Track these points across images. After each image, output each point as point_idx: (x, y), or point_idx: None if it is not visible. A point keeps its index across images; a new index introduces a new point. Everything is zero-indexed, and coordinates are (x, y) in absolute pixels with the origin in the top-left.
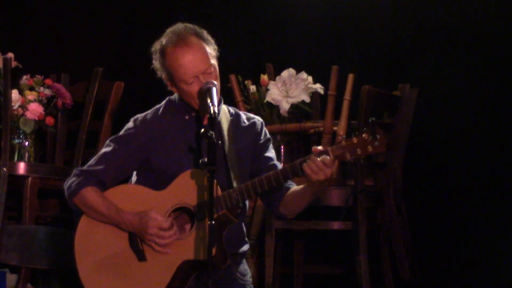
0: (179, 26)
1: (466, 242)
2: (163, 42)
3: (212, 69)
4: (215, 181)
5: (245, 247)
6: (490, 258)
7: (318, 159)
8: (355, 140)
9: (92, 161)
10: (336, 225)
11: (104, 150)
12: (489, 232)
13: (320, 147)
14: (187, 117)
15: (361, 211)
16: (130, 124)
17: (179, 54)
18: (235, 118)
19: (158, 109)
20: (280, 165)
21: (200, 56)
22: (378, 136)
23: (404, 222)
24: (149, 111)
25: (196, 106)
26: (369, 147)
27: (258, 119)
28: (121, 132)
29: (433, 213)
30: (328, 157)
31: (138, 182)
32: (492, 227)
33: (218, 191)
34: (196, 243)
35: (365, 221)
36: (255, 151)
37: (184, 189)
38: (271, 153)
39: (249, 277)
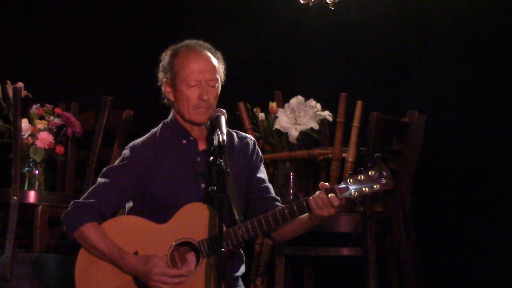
0: (198, 40)
1: (476, 268)
2: (178, 46)
3: (216, 84)
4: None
5: (242, 269)
6: (501, 284)
7: (326, 196)
8: (361, 177)
9: (88, 193)
10: (345, 251)
11: (101, 181)
12: (500, 259)
13: (327, 184)
14: (184, 142)
15: (370, 237)
16: (127, 152)
17: (191, 57)
18: (229, 139)
19: (155, 133)
20: (271, 187)
21: (209, 67)
22: (384, 173)
23: (414, 248)
24: (145, 137)
25: (188, 115)
26: (376, 185)
27: (250, 138)
28: (117, 162)
29: (442, 239)
30: (334, 197)
31: (133, 209)
32: (504, 253)
33: (223, 227)
34: (201, 281)
35: (375, 247)
36: (249, 171)
37: (187, 223)
38: (262, 173)
39: None
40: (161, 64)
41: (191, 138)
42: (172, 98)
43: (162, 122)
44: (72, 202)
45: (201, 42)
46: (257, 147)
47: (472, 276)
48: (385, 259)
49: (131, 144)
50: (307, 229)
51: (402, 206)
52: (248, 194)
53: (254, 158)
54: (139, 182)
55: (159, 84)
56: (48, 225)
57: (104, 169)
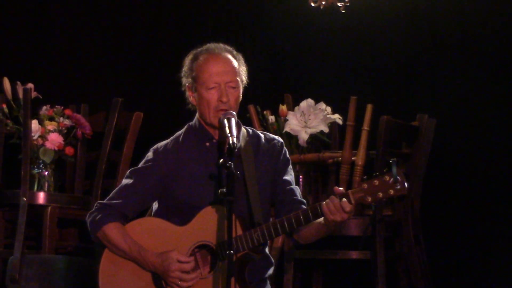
0: (220, 44)
1: (486, 273)
2: (198, 50)
3: (235, 85)
4: (235, 219)
5: (270, 271)
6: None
7: (339, 201)
8: (376, 182)
9: (113, 194)
10: (354, 255)
11: (124, 182)
12: (510, 263)
13: (341, 189)
14: (207, 144)
15: (379, 241)
16: (150, 155)
17: (210, 60)
18: (255, 141)
19: (179, 136)
20: (297, 190)
21: (229, 69)
22: (399, 178)
23: (422, 252)
24: (169, 139)
25: (209, 118)
26: (390, 190)
27: (278, 140)
28: (141, 164)
29: (451, 243)
30: (346, 202)
31: (159, 210)
32: None
33: (239, 230)
34: (217, 284)
35: (383, 251)
36: (274, 173)
37: (206, 225)
38: (289, 176)
39: None
40: (183, 69)
41: (214, 140)
42: (194, 102)
43: (187, 125)
44: (96, 203)
45: (221, 45)
46: (284, 148)
47: (481, 280)
48: (393, 263)
49: (154, 146)
50: (325, 232)
51: (412, 210)
52: (274, 196)
53: (280, 159)
54: (162, 183)
55: (182, 89)
56: (57, 226)
57: (128, 170)
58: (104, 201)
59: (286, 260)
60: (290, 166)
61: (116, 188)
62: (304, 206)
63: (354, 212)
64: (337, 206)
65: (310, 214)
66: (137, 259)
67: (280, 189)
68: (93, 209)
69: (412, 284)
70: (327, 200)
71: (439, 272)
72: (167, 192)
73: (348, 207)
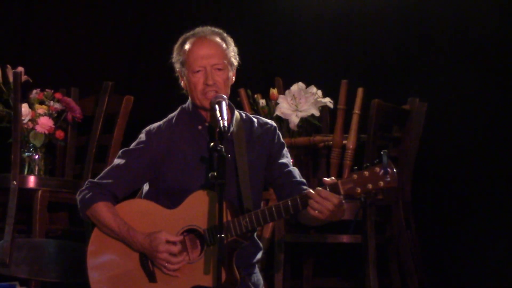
0: (208, 27)
1: (475, 256)
2: (187, 34)
3: (222, 67)
4: (225, 205)
5: (259, 255)
6: (500, 272)
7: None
8: (366, 173)
9: (104, 173)
10: (345, 239)
11: (116, 162)
12: (499, 246)
13: (330, 179)
14: (200, 127)
15: (370, 225)
16: (143, 136)
17: (196, 44)
18: (248, 125)
19: (172, 118)
20: (296, 171)
21: (215, 51)
22: (390, 170)
23: (413, 236)
24: (162, 121)
25: (198, 101)
26: (380, 182)
27: (271, 124)
28: (133, 145)
29: (441, 227)
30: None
31: (149, 192)
32: (503, 240)
33: (228, 215)
34: (205, 268)
35: (374, 235)
36: (269, 158)
37: (195, 210)
38: (285, 158)
39: (261, 287)
40: (173, 56)
41: (206, 123)
42: (185, 87)
43: (180, 107)
44: (87, 182)
45: (208, 28)
46: (278, 132)
47: (472, 264)
48: (384, 247)
49: (147, 128)
50: (323, 221)
51: (402, 194)
52: (272, 180)
53: (275, 143)
54: (153, 165)
55: (176, 75)
56: (47, 210)
57: (120, 151)
58: (95, 180)
59: (276, 244)
60: (286, 149)
61: (107, 168)
62: (304, 186)
63: (344, 197)
64: (321, 202)
65: (299, 203)
66: (126, 239)
67: (278, 173)
68: (83, 187)
69: (402, 267)
70: (315, 192)
71: (429, 256)
72: (158, 174)
73: (336, 199)
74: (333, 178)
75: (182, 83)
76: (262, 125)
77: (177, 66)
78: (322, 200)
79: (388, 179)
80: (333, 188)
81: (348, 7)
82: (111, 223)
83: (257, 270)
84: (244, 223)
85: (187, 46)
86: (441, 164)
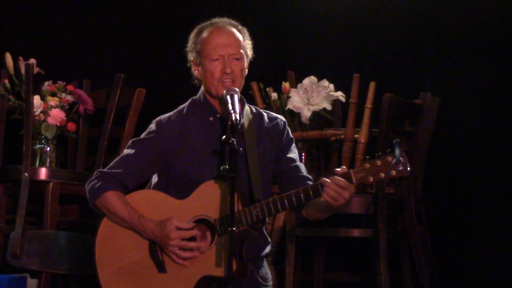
0: (225, 18)
1: (486, 251)
2: (203, 24)
3: (240, 56)
4: (236, 195)
5: (267, 249)
6: (511, 267)
7: (339, 181)
8: (378, 162)
9: (114, 163)
10: (356, 233)
11: (126, 152)
12: (510, 241)
13: (341, 168)
14: (211, 118)
15: (381, 219)
16: (153, 126)
17: (214, 33)
18: (258, 119)
19: (182, 109)
20: (302, 166)
21: (233, 41)
22: (402, 160)
23: (425, 230)
24: (172, 112)
25: (215, 90)
26: (392, 171)
27: (281, 118)
28: (144, 135)
29: (453, 221)
30: (344, 181)
31: (158, 183)
32: None
33: (238, 206)
34: (216, 259)
35: (386, 229)
36: (277, 152)
37: (206, 200)
38: (293, 153)
39: (270, 281)
40: (188, 45)
41: (218, 115)
42: (199, 76)
43: (191, 99)
44: (96, 171)
45: (225, 19)
46: (287, 127)
47: (483, 259)
48: (396, 241)
49: (157, 118)
50: (332, 212)
51: (414, 188)
52: (278, 174)
53: (283, 138)
54: (163, 156)
55: (188, 65)
56: (58, 202)
57: (130, 141)
58: (105, 170)
59: (288, 238)
60: (294, 145)
61: (117, 158)
62: (310, 182)
63: (356, 191)
64: (338, 191)
65: (311, 192)
66: (137, 227)
67: (285, 167)
68: (92, 177)
69: (413, 262)
70: (329, 180)
71: (441, 250)
72: (168, 165)
73: (349, 187)
74: (344, 167)
75: (196, 72)
76: (272, 119)
77: (192, 55)
78: (339, 189)
79: (401, 168)
80: (346, 177)
81: (360, 1)
82: (121, 212)
83: (265, 264)
84: (255, 212)
85: (205, 35)
86: (453, 159)
